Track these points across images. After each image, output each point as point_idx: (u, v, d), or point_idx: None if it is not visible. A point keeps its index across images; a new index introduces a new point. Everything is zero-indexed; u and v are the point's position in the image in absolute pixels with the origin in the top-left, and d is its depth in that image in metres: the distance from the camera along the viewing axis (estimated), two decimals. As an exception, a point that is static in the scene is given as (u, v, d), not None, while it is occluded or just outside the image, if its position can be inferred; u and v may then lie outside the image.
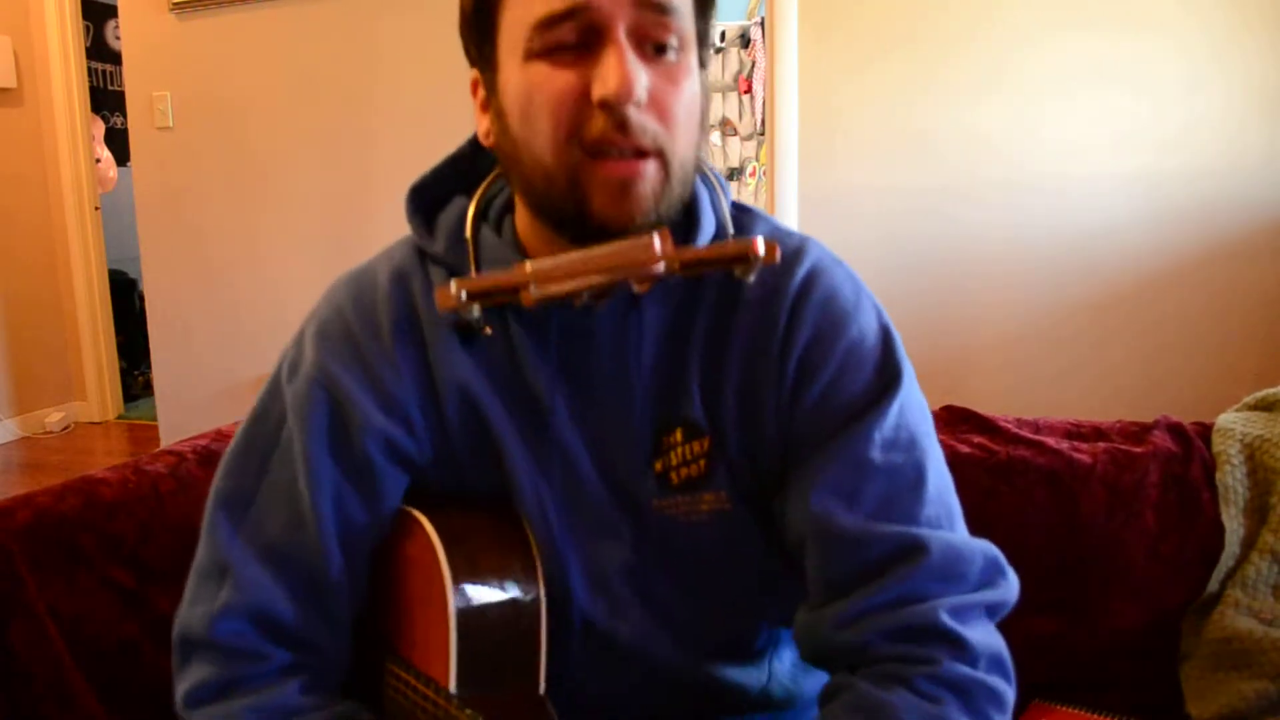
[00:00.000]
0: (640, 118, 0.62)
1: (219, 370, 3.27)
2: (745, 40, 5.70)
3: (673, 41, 0.63)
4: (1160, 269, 2.30)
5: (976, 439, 1.16)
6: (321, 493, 0.70)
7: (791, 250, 0.73)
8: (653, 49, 0.63)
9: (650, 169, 0.63)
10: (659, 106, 0.63)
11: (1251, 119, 2.19)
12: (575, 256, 0.62)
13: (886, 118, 2.45)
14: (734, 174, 5.83)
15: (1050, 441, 1.13)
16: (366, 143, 3.07)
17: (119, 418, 4.19)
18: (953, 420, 1.21)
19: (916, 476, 0.69)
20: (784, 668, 0.80)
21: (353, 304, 0.75)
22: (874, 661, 0.64)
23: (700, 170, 0.71)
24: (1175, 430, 1.13)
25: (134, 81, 3.34)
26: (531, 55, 0.63)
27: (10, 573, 0.95)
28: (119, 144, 4.37)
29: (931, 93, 2.41)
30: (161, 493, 1.10)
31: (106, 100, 4.89)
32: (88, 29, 4.34)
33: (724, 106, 5.81)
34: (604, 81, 0.61)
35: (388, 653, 0.75)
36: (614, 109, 0.61)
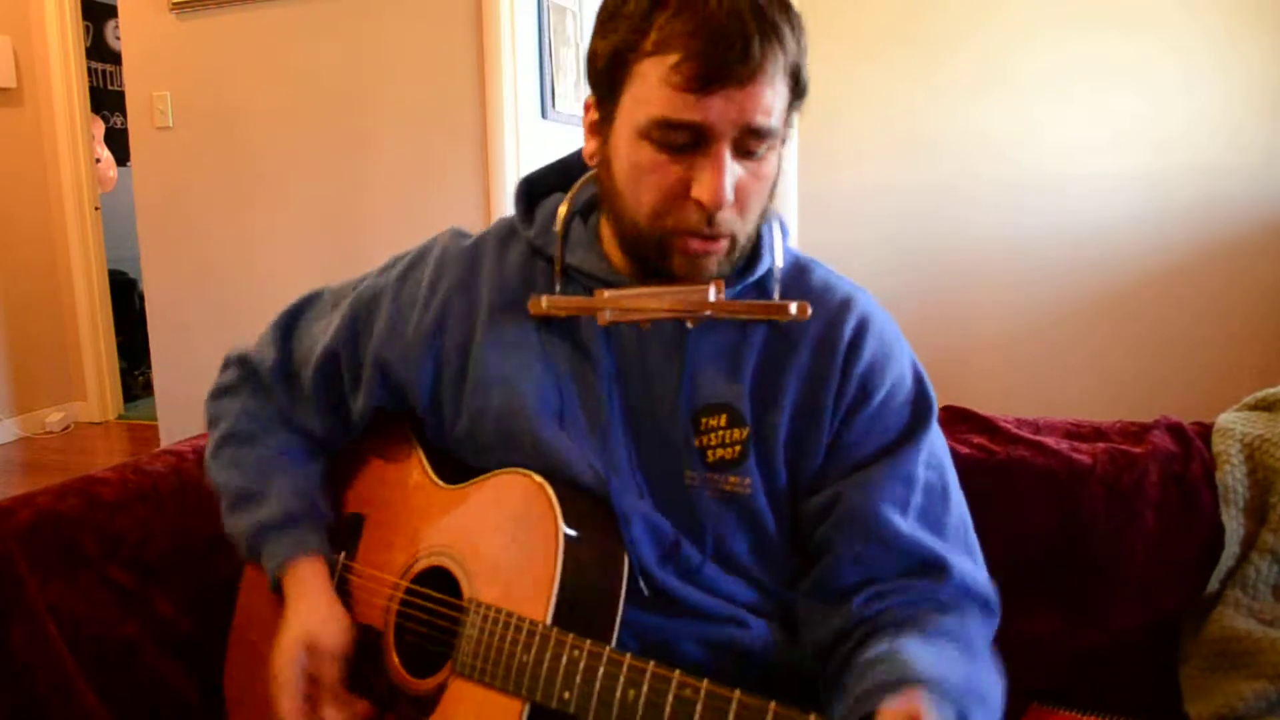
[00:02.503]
0: (725, 216, 0.75)
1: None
2: (745, 40, 5.69)
3: (764, 150, 0.75)
4: (1160, 269, 2.30)
5: (976, 439, 1.16)
6: (327, 357, 0.93)
7: (844, 295, 0.86)
8: (747, 151, 0.74)
9: (722, 246, 0.77)
10: (742, 202, 0.75)
11: (1251, 119, 2.19)
12: (643, 293, 0.78)
13: (886, 118, 2.45)
14: (734, 174, 5.82)
15: (1050, 442, 1.13)
16: (366, 143, 3.07)
17: (119, 418, 4.19)
18: (952, 420, 1.21)
19: (943, 491, 0.84)
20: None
21: (437, 257, 0.92)
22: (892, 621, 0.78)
23: (766, 217, 0.83)
24: (1175, 430, 1.13)
25: (134, 81, 3.34)
26: (645, 136, 0.74)
27: (10, 573, 0.96)
28: (119, 144, 4.37)
29: (932, 93, 2.41)
30: (161, 493, 1.10)
31: (106, 100, 4.89)
32: (88, 29, 4.34)
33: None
34: (703, 187, 0.73)
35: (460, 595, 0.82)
36: (706, 210, 0.74)
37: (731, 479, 0.82)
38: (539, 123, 2.77)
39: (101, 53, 4.89)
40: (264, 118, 3.19)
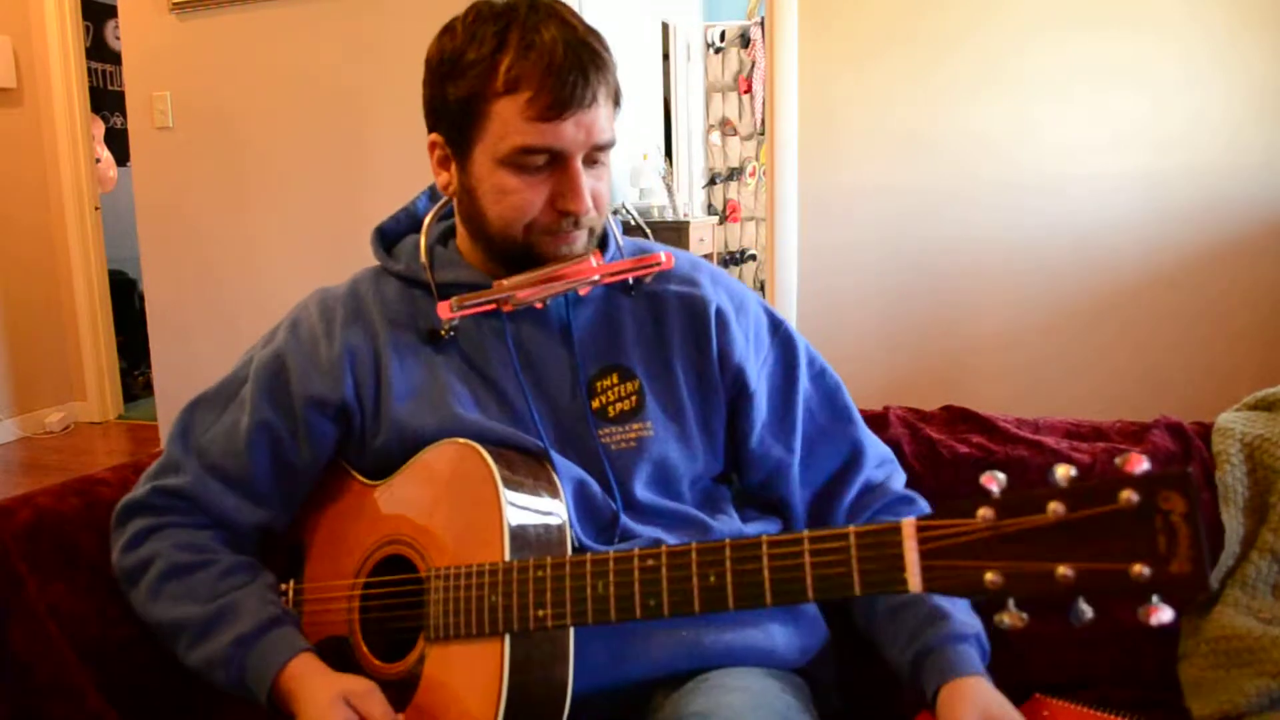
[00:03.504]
0: (586, 215, 0.89)
1: (219, 370, 3.26)
2: (745, 40, 5.70)
3: (605, 157, 0.90)
4: (1160, 268, 2.30)
5: (975, 438, 1.16)
6: (258, 431, 0.94)
7: (689, 262, 1.02)
8: (593, 162, 0.89)
9: (584, 235, 0.92)
10: (597, 202, 0.90)
11: (1251, 119, 2.19)
12: (536, 275, 0.90)
13: (887, 117, 2.45)
14: (734, 174, 5.83)
15: (1049, 441, 1.13)
16: (365, 143, 3.07)
17: (119, 418, 4.19)
18: (952, 420, 1.21)
19: (836, 385, 1.03)
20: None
21: (317, 306, 1.00)
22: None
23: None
24: (1174, 430, 1.13)
25: (134, 81, 3.34)
26: (504, 164, 0.87)
27: (10, 573, 0.96)
28: (119, 144, 4.37)
29: (932, 93, 2.41)
30: (161, 493, 1.09)
31: (106, 100, 4.90)
32: (88, 29, 4.35)
33: (724, 106, 5.81)
34: (566, 200, 0.87)
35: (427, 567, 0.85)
36: (574, 216, 0.88)
37: (634, 426, 0.93)
38: (539, 123, 2.77)
39: (101, 53, 4.89)
40: (264, 118, 3.19)
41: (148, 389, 4.14)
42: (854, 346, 2.54)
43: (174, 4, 3.19)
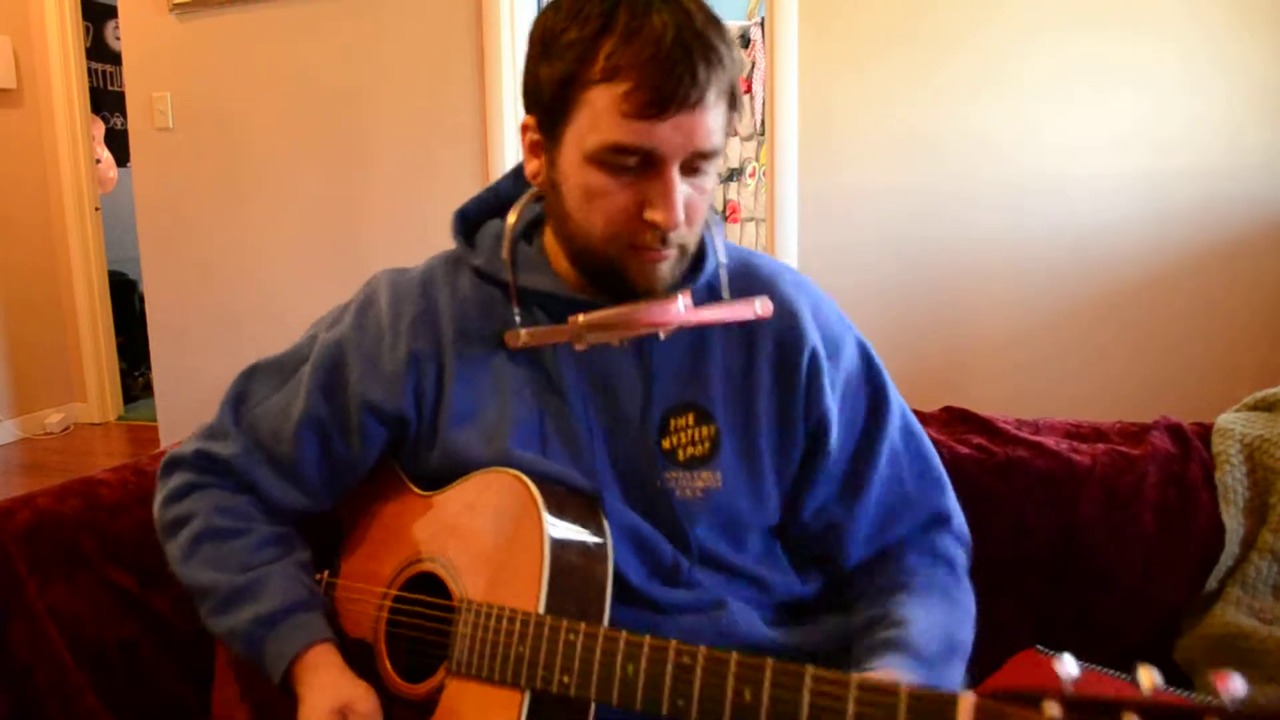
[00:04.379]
0: (678, 232, 0.78)
1: (219, 371, 3.26)
2: (745, 40, 5.70)
3: (709, 168, 0.79)
4: (1161, 269, 2.30)
5: (976, 439, 1.16)
6: (308, 423, 0.89)
7: (790, 290, 0.90)
8: (693, 170, 0.78)
9: (674, 254, 0.81)
10: (690, 216, 0.79)
11: (1252, 119, 2.19)
12: (615, 315, 0.81)
13: (887, 118, 2.45)
14: (734, 174, 5.83)
15: (1049, 442, 1.13)
16: (365, 144, 3.07)
17: (119, 419, 4.19)
18: (952, 421, 1.21)
19: (918, 450, 0.92)
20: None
21: (389, 294, 0.91)
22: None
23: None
24: (1174, 431, 1.13)
25: (134, 82, 3.34)
26: (594, 161, 0.77)
27: (10, 573, 0.96)
28: (119, 144, 4.37)
29: (932, 93, 2.41)
30: (161, 493, 1.09)
31: (106, 100, 4.90)
32: (88, 29, 4.35)
33: (724, 107, 5.81)
34: (656, 210, 0.76)
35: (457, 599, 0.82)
36: (661, 230, 0.77)
37: (704, 474, 0.85)
38: (539, 123, 2.77)
39: (101, 53, 4.89)
40: (264, 118, 3.19)
41: (148, 390, 4.14)
42: (854, 347, 2.53)
43: (174, 4, 3.19)
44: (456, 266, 0.92)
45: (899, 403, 0.93)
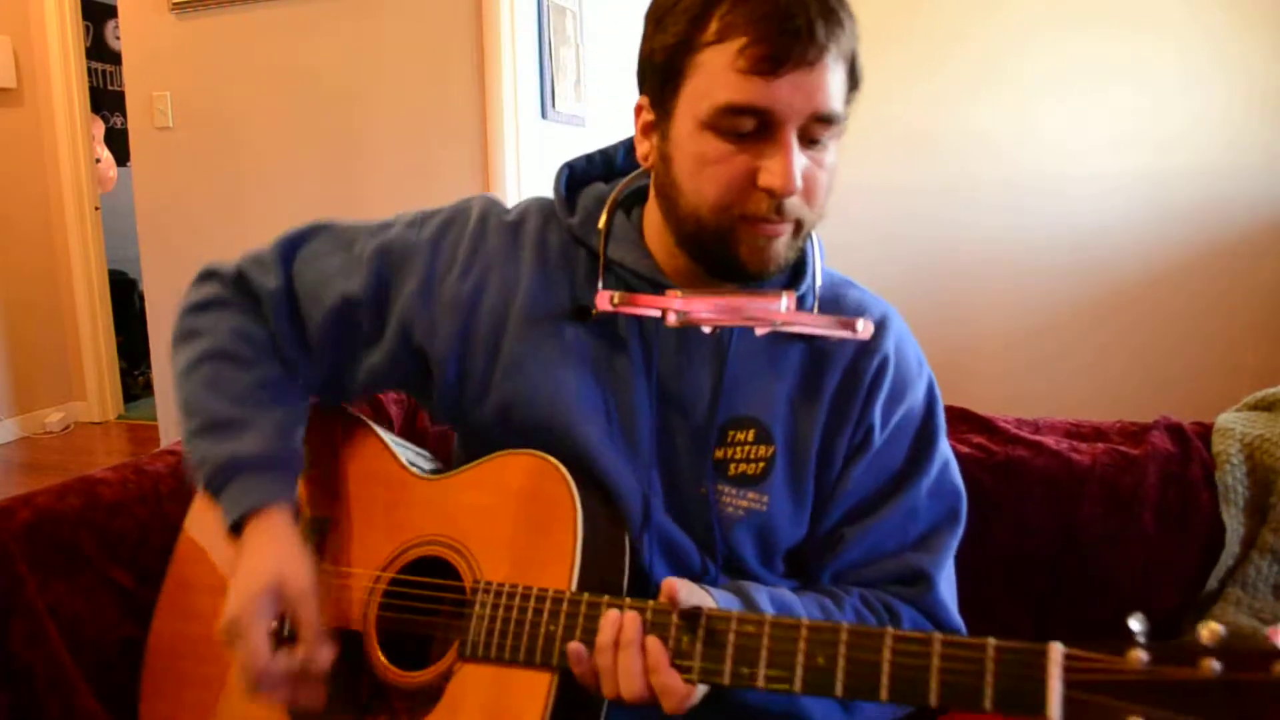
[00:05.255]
0: (794, 202, 0.73)
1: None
2: (745, 40, 5.69)
3: (829, 137, 0.74)
4: (1160, 269, 2.30)
5: (976, 439, 1.16)
6: (345, 304, 0.87)
7: (879, 318, 0.85)
8: (811, 140, 0.73)
9: (788, 231, 0.75)
10: (808, 190, 0.74)
11: (1252, 119, 2.19)
12: (717, 300, 0.76)
13: (886, 118, 2.45)
14: (734, 174, 5.82)
15: (1049, 442, 1.13)
16: (366, 144, 3.07)
17: (119, 418, 4.19)
18: (952, 420, 1.21)
19: (949, 518, 0.86)
20: None
21: (477, 222, 0.88)
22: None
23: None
24: (1174, 431, 1.13)
25: (134, 81, 3.33)
26: (709, 127, 0.72)
27: (10, 572, 0.96)
28: (119, 144, 4.37)
29: (931, 92, 2.41)
30: (162, 493, 1.10)
31: (106, 100, 4.89)
32: (88, 29, 4.34)
33: (724, 106, 5.82)
34: (772, 174, 0.71)
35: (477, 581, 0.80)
36: (776, 197, 0.72)
37: (750, 494, 0.82)
38: (539, 123, 2.77)
39: (101, 53, 4.89)
40: (264, 118, 3.19)
41: (148, 389, 4.14)
42: (854, 346, 2.53)
43: (174, 4, 3.19)
44: (551, 220, 0.89)
45: (942, 462, 0.87)
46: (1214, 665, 0.53)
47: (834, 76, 0.72)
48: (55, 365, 4.04)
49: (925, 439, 0.86)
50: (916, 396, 0.86)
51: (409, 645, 0.83)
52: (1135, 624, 0.57)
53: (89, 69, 4.14)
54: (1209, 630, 0.54)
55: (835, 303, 0.86)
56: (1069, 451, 1.11)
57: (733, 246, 0.75)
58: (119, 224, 4.22)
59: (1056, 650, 0.59)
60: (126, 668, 0.99)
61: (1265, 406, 1.16)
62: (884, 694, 0.62)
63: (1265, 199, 2.20)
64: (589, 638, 0.71)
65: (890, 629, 0.63)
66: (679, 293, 0.77)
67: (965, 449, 1.14)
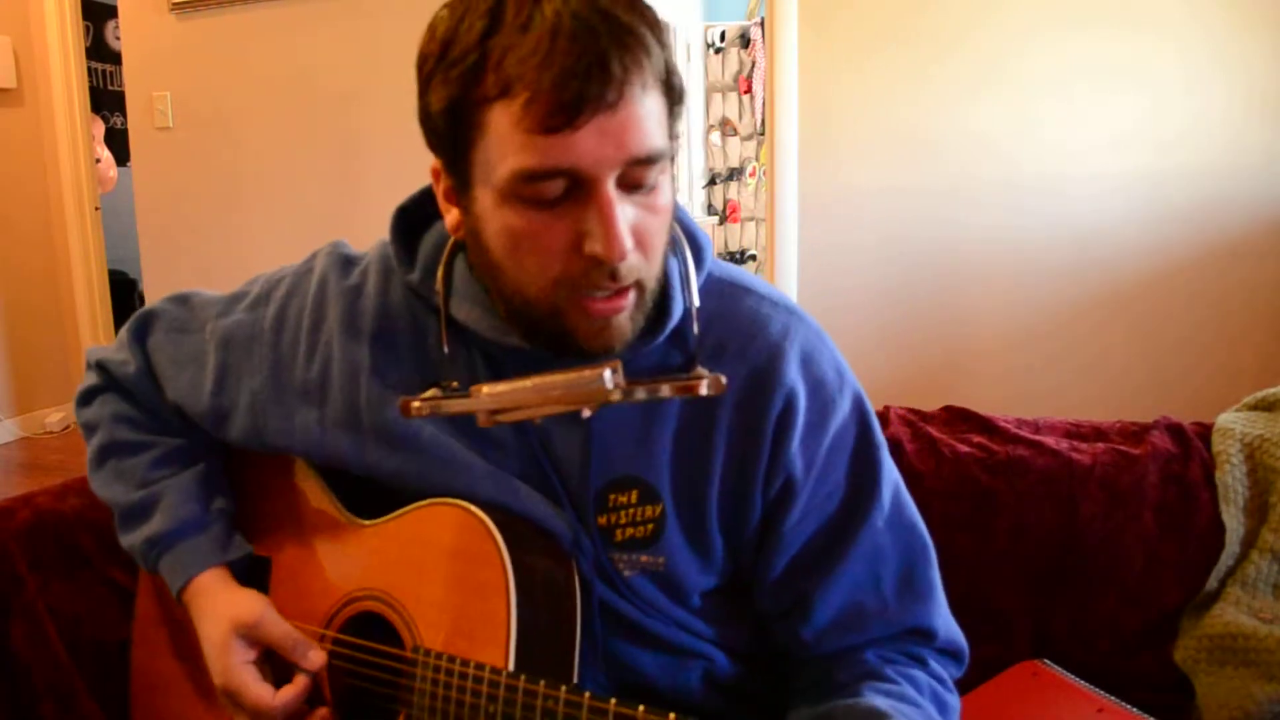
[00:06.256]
0: (629, 263, 0.62)
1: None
2: (745, 40, 5.70)
3: (653, 178, 0.63)
4: (1160, 269, 2.30)
5: (976, 439, 1.16)
6: (195, 402, 0.85)
7: (775, 336, 0.74)
8: (635, 185, 0.63)
9: (630, 299, 0.65)
10: (642, 243, 0.63)
11: (1252, 119, 2.19)
12: (529, 387, 0.66)
13: (887, 118, 2.45)
14: (734, 174, 5.83)
15: (1049, 442, 1.13)
16: (365, 143, 3.07)
17: (119, 418, 4.19)
18: (952, 420, 1.21)
19: (909, 547, 0.78)
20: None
21: (316, 290, 0.82)
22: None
23: (673, 239, 0.71)
24: (1174, 431, 1.13)
25: (134, 81, 3.34)
26: (511, 197, 0.62)
27: (10, 573, 0.96)
28: (119, 144, 4.37)
29: (932, 93, 2.41)
30: (161, 493, 1.09)
31: (106, 100, 4.89)
32: (88, 29, 4.34)
33: (724, 106, 5.81)
34: (596, 240, 0.61)
35: (408, 647, 0.76)
36: (606, 264, 0.61)
37: (644, 557, 0.74)
38: (539, 123, 2.77)
39: (101, 53, 4.89)
40: (264, 118, 3.19)
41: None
42: (854, 347, 2.53)
43: (174, 4, 3.19)
44: (390, 278, 0.79)
45: (892, 487, 0.77)
46: None
47: (645, 109, 0.60)
48: (55, 365, 4.04)
49: (865, 463, 0.76)
50: (841, 416, 0.76)
51: (365, 706, 0.81)
52: None
53: (89, 69, 4.14)
54: None
55: (723, 319, 0.75)
56: (1069, 451, 1.11)
57: (569, 329, 0.65)
58: (119, 224, 4.22)
59: None
60: (125, 668, 0.99)
61: (1265, 406, 1.16)
62: None
63: (1265, 199, 2.20)
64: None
65: None
66: (483, 388, 0.67)
67: (965, 449, 1.14)
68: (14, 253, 3.87)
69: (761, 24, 5.47)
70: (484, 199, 0.64)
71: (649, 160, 0.61)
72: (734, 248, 5.83)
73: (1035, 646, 1.07)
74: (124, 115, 3.53)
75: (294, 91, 3.14)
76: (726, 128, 5.84)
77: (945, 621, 0.79)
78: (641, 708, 0.63)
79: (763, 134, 5.14)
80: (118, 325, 4.16)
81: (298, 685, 0.78)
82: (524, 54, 0.58)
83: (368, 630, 0.81)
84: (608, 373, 0.64)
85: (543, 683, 0.67)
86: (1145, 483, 1.07)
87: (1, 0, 3.76)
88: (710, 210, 5.81)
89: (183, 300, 0.91)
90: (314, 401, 0.79)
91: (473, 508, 0.73)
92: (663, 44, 0.61)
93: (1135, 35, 2.24)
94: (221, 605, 0.81)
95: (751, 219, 5.81)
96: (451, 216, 0.70)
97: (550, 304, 0.64)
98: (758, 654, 0.83)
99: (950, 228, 2.44)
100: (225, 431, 0.85)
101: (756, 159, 5.69)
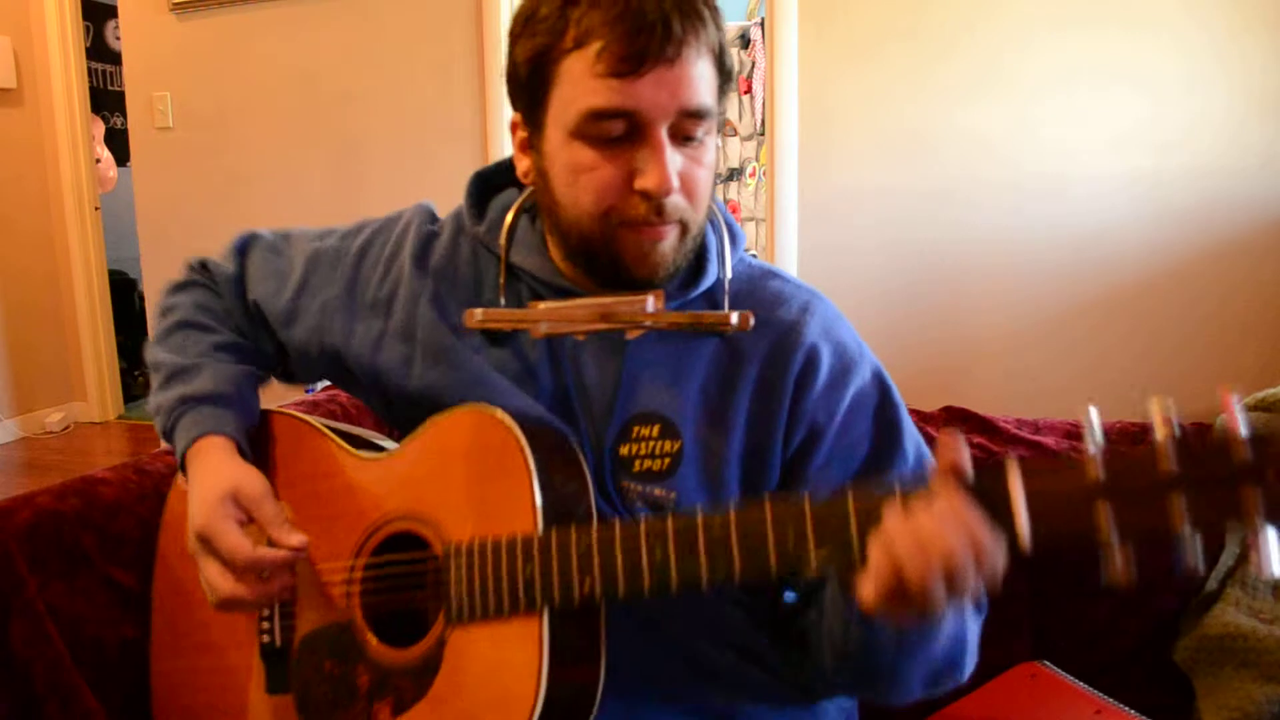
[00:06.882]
0: (674, 201, 0.73)
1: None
2: (745, 40, 5.70)
3: (702, 133, 0.74)
4: (1160, 269, 2.30)
5: (976, 439, 1.16)
6: (266, 294, 0.94)
7: (798, 310, 0.82)
8: (685, 137, 0.73)
9: (673, 234, 0.75)
10: (688, 188, 0.74)
11: (1252, 119, 2.19)
12: (578, 305, 0.77)
13: (887, 118, 2.45)
14: (734, 174, 5.84)
15: (1049, 442, 1.13)
16: (365, 143, 3.07)
17: (119, 418, 4.19)
18: (952, 420, 1.21)
19: None
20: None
21: (402, 228, 0.92)
22: None
23: (713, 221, 0.83)
24: (1175, 430, 1.13)
25: (134, 81, 3.34)
26: (578, 135, 0.72)
27: (10, 573, 0.96)
28: (119, 144, 4.37)
29: (932, 93, 2.41)
30: (162, 493, 1.09)
31: (106, 100, 4.89)
32: (88, 29, 4.34)
33: (724, 106, 5.82)
34: (646, 176, 0.71)
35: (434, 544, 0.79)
36: (653, 199, 0.72)
37: (657, 490, 0.79)
38: (539, 123, 2.77)
39: (101, 53, 4.89)
40: (264, 118, 3.19)
41: (148, 389, 4.14)
42: (854, 347, 2.54)
43: (174, 4, 3.19)
44: (461, 231, 0.90)
45: (915, 444, 0.82)
46: (1170, 461, 0.55)
47: (698, 70, 0.71)
48: (55, 365, 4.04)
49: (887, 421, 0.81)
50: (861, 379, 0.81)
51: (399, 625, 0.82)
52: (1089, 441, 0.58)
53: (89, 69, 4.14)
54: (1158, 408, 0.57)
55: (751, 295, 0.83)
56: (1069, 451, 1.11)
57: (618, 253, 0.75)
58: (119, 224, 4.22)
59: (1013, 462, 0.59)
60: (126, 668, 0.99)
61: (1265, 407, 1.16)
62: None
63: (1265, 199, 2.20)
64: (567, 570, 0.70)
65: (850, 488, 0.62)
66: (539, 304, 0.78)
67: (965, 449, 1.14)
68: (14, 253, 3.87)
69: (761, 24, 5.47)
70: (554, 139, 0.74)
71: (698, 114, 0.72)
72: (734, 248, 5.83)
73: (1035, 647, 1.07)
74: (124, 115, 3.53)
75: (294, 91, 3.14)
76: (726, 128, 5.85)
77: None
78: (669, 516, 0.67)
79: (763, 134, 5.14)
80: (118, 325, 4.17)
81: (279, 552, 0.80)
82: (601, 15, 0.69)
83: (399, 550, 0.82)
84: (650, 298, 0.75)
85: (573, 528, 0.70)
86: (1145, 483, 1.06)
87: (2, 0, 3.76)
88: (710, 210, 5.81)
89: (285, 234, 1.00)
90: (380, 315, 0.88)
91: (483, 405, 0.77)
92: (718, 25, 0.73)
93: (1135, 35, 2.24)
94: (227, 468, 0.84)
95: (751, 219, 5.82)
96: (524, 164, 0.80)
97: (603, 234, 0.74)
98: (761, 615, 0.84)
99: (950, 228, 2.45)
100: (292, 330, 0.92)
101: (756, 159, 5.69)
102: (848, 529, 0.62)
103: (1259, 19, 2.16)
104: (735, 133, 5.86)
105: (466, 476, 0.78)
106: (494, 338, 0.83)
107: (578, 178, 0.74)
